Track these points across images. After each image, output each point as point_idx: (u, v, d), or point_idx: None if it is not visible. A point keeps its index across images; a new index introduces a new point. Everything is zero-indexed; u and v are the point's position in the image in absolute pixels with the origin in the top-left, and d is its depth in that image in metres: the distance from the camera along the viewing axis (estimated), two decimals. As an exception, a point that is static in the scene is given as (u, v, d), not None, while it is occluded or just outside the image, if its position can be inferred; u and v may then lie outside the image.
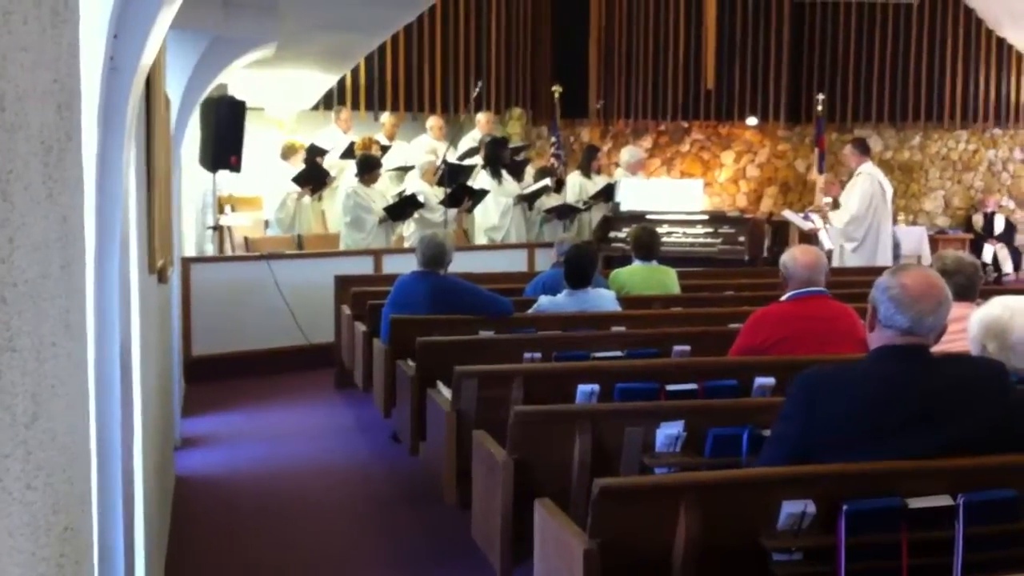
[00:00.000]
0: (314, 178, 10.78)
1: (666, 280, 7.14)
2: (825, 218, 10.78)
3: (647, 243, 7.08)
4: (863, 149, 10.57)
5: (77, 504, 1.32)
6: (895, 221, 12.41)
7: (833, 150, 13.57)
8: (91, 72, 2.49)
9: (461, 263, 7.57)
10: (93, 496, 2.26)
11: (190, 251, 9.15)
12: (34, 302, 1.11)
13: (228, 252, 9.81)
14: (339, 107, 12.29)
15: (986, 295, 4.03)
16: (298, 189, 10.72)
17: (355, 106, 12.73)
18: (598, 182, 12.19)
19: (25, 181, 1.08)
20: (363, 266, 9.54)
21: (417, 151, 12.02)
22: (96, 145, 2.58)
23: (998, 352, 3.29)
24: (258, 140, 11.29)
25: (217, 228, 9.85)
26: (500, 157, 11.30)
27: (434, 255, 6.17)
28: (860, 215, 10.18)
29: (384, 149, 11.34)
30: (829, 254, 9.65)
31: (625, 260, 8.04)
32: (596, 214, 12.00)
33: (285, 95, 11.75)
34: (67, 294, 1.27)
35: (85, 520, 1.40)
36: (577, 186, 12.00)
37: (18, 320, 1.05)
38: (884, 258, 10.13)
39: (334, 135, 11.82)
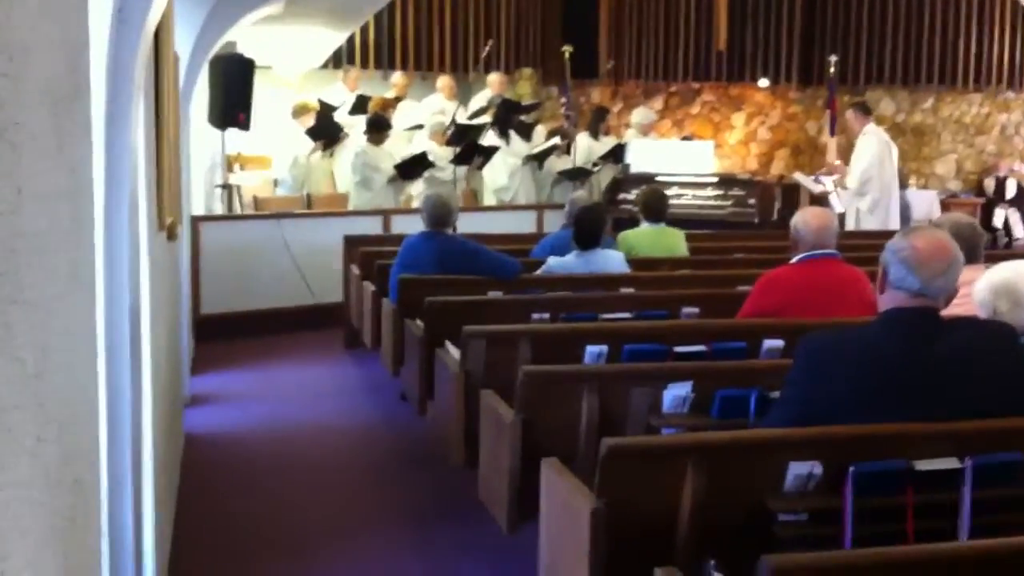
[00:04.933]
0: (327, 132, 10.74)
1: (674, 242, 7.12)
2: (839, 183, 10.66)
3: (655, 205, 7.06)
4: (864, 111, 10.51)
5: (87, 457, 1.33)
6: (906, 184, 12.30)
7: (845, 112, 13.45)
8: (99, 25, 2.48)
9: (470, 223, 7.56)
10: (102, 450, 2.27)
11: (199, 210, 9.14)
12: (43, 254, 1.10)
13: (237, 211, 9.80)
14: (348, 66, 12.21)
15: (996, 260, 4.00)
16: (311, 144, 10.69)
17: (364, 64, 12.64)
18: (606, 143, 12.11)
19: (32, 132, 1.07)
20: (372, 226, 9.53)
21: (427, 111, 11.95)
22: (104, 99, 2.57)
23: (1011, 311, 3.28)
24: (267, 98, 11.23)
25: (226, 187, 9.83)
26: (510, 119, 11.24)
27: (439, 215, 6.14)
28: (870, 173, 10.05)
29: (397, 100, 11.34)
30: (841, 217, 9.57)
31: (634, 222, 8.02)
32: (606, 176, 11.94)
33: (294, 53, 11.66)
34: (77, 247, 1.27)
35: (94, 473, 1.41)
36: (585, 147, 11.92)
37: (27, 271, 1.05)
38: (895, 222, 10.02)
39: (341, 94, 11.76)
